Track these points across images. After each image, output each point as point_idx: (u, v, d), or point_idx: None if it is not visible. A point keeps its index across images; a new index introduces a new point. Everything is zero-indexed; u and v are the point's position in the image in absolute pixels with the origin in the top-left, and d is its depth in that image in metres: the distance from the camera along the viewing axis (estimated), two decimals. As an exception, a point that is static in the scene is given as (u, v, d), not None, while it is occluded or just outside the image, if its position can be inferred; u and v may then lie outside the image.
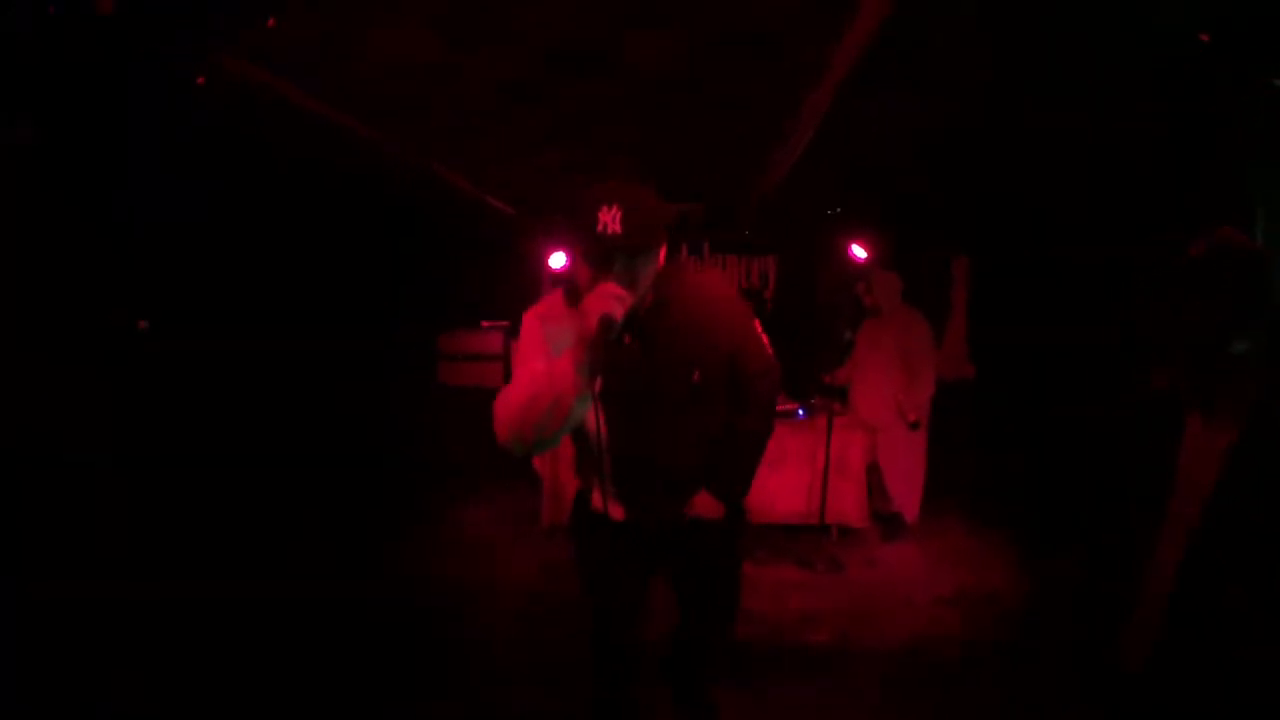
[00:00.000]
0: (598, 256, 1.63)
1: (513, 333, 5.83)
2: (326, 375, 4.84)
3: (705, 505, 1.91)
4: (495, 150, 4.10)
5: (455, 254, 5.73)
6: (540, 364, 1.68)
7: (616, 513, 1.91)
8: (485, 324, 5.92)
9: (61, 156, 2.56)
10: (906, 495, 4.49)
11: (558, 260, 5.78)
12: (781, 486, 4.35)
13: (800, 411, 4.62)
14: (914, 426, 4.36)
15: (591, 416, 1.67)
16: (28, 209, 2.49)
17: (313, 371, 4.70)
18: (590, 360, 1.57)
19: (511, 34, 2.59)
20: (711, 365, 1.84)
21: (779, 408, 2.54)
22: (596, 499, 1.93)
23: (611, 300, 1.56)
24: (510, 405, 1.64)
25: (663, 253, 1.75)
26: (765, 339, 1.95)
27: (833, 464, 4.32)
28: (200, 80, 2.20)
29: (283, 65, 2.66)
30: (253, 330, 4.09)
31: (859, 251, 5.26)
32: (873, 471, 4.50)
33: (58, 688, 2.52)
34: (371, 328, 5.25)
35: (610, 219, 1.58)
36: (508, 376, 5.84)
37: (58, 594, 2.60)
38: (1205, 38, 2.22)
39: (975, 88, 2.84)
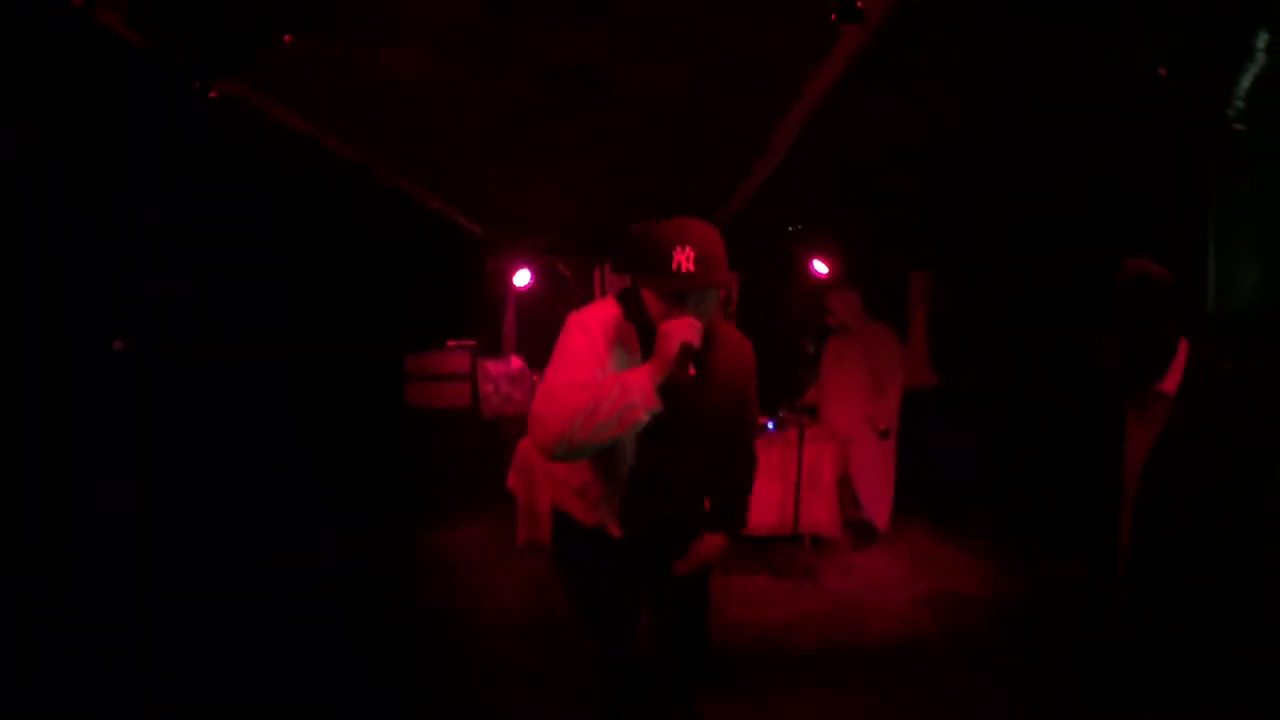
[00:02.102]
0: (672, 294, 1.70)
1: (480, 351, 5.75)
2: (300, 386, 4.74)
3: (708, 545, 2.07)
4: (465, 169, 4.09)
5: (418, 271, 5.63)
6: (591, 373, 1.72)
7: (614, 530, 1.97)
8: (451, 343, 5.83)
9: (68, 159, 2.55)
10: (877, 503, 4.56)
11: (522, 278, 5.74)
12: (755, 499, 4.29)
13: (770, 424, 4.68)
14: (884, 435, 4.45)
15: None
16: (36, 209, 2.46)
17: (288, 381, 4.63)
18: (667, 380, 1.64)
19: (497, 60, 2.63)
20: (735, 405, 1.99)
21: None
22: (588, 517, 1.98)
23: (693, 331, 1.64)
24: (569, 406, 1.64)
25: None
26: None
27: (805, 476, 4.36)
28: (213, 94, 2.16)
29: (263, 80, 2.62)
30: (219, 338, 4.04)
31: (820, 267, 5.40)
32: (844, 481, 4.58)
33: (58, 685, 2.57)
34: (334, 340, 5.12)
35: (685, 259, 1.66)
36: (476, 396, 5.77)
37: (59, 594, 2.69)
38: (1163, 72, 2.31)
39: (949, 95, 2.87)
